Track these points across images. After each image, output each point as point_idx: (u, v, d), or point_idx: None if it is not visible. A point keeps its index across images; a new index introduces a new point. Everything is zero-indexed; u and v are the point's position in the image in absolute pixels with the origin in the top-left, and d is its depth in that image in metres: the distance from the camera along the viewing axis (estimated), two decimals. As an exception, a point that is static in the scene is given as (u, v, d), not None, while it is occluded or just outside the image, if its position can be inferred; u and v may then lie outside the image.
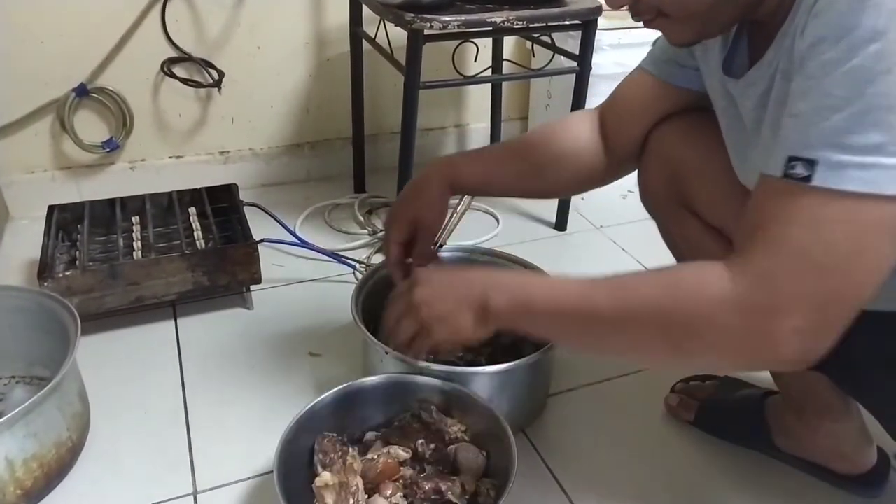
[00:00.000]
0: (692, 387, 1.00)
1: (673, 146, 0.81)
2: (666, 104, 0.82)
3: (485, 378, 0.87)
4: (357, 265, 1.30)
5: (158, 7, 1.41)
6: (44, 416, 0.80)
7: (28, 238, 1.24)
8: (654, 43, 0.84)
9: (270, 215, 1.29)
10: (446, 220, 0.93)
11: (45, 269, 1.06)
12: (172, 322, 1.16)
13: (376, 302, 1.03)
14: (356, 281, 1.27)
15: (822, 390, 0.82)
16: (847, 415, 0.84)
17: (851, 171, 0.46)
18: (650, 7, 0.59)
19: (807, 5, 0.50)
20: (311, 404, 0.82)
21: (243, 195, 1.33)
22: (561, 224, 1.48)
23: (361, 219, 1.50)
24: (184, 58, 1.47)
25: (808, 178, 0.48)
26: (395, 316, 0.76)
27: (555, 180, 0.89)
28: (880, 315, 0.60)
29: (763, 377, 1.03)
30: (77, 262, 1.11)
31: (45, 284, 1.02)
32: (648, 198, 0.87)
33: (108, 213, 1.25)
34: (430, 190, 0.87)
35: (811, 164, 0.47)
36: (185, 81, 1.48)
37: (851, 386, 0.74)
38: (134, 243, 1.17)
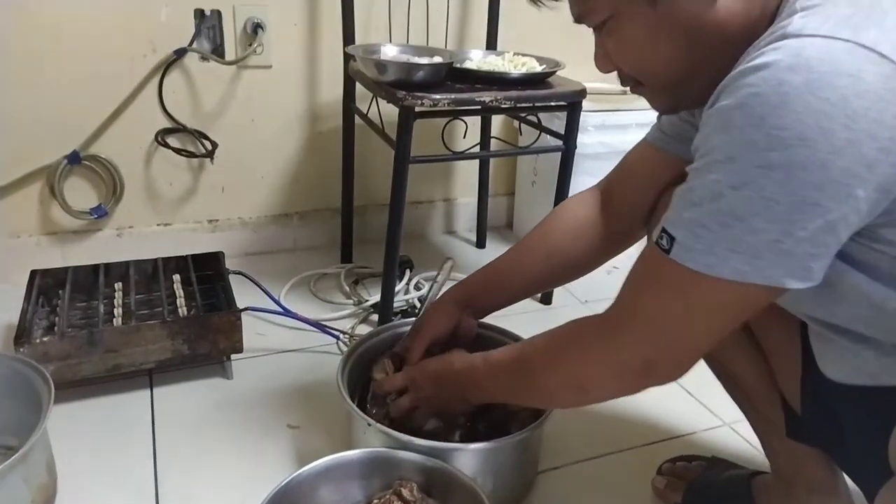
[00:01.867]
0: (679, 468, 0.98)
1: None
2: (675, 172, 0.82)
3: (470, 455, 0.85)
4: (341, 335, 1.29)
5: (156, 79, 1.45)
6: (8, 487, 0.77)
7: (8, 303, 1.22)
8: (659, 118, 0.86)
9: (255, 283, 1.28)
10: (428, 288, 1.03)
11: (22, 333, 1.04)
12: (148, 391, 1.13)
13: (361, 373, 1.01)
14: (339, 351, 1.26)
15: (812, 465, 0.82)
16: (836, 493, 0.83)
17: (696, 254, 0.56)
18: (630, 77, 0.68)
19: (703, 116, 0.57)
20: (288, 479, 0.79)
21: (230, 263, 1.33)
22: (546, 298, 1.48)
23: (347, 289, 1.49)
24: (178, 128, 1.50)
25: (668, 250, 0.58)
26: (395, 390, 0.91)
27: (563, 264, 0.95)
28: (867, 389, 0.61)
29: (750, 458, 1.02)
30: (56, 328, 1.09)
31: (22, 350, 1.00)
32: None
33: (91, 279, 1.24)
34: (439, 310, 0.98)
35: (672, 239, 0.58)
36: (178, 151, 1.50)
37: (841, 458, 0.74)
38: (115, 310, 1.15)
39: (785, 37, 0.52)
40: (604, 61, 0.68)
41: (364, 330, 1.32)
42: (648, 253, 0.62)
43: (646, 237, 0.91)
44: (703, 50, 0.61)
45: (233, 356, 1.17)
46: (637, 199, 0.87)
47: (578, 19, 0.67)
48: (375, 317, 1.37)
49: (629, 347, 0.64)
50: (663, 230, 0.59)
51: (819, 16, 0.53)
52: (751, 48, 0.56)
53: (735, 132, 0.52)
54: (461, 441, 0.91)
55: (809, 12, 0.53)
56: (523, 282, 0.97)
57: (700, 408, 1.15)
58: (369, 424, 0.85)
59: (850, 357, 0.63)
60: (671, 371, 0.64)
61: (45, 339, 1.02)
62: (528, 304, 1.46)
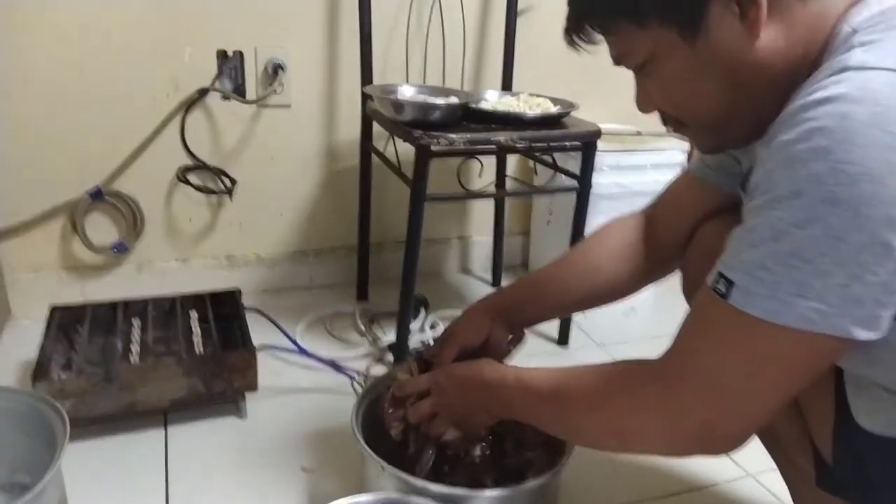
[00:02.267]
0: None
1: (718, 239, 0.79)
2: (717, 202, 0.83)
3: (485, 502, 0.83)
4: (355, 375, 1.28)
5: (179, 117, 1.48)
6: (20, 528, 0.76)
7: (27, 338, 1.23)
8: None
9: (271, 321, 1.28)
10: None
11: (40, 370, 1.04)
12: (163, 430, 1.13)
13: (377, 415, 1.00)
14: (354, 391, 1.25)
15: None
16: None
17: (757, 299, 0.53)
18: (672, 117, 0.68)
19: (762, 142, 0.56)
20: (301, 524, 0.78)
21: (246, 300, 1.33)
22: (563, 339, 1.47)
23: (362, 327, 1.49)
24: (199, 166, 1.52)
25: (725, 295, 0.55)
26: (418, 392, 0.87)
27: (603, 284, 0.93)
28: None
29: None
30: (73, 365, 1.10)
31: (39, 386, 1.01)
32: (690, 290, 0.87)
33: (110, 316, 1.25)
34: (472, 318, 0.95)
35: (730, 283, 0.54)
36: (198, 188, 1.52)
37: None
38: (132, 346, 1.16)
39: (846, 69, 0.52)
40: (645, 102, 0.68)
41: (379, 369, 1.32)
42: (703, 298, 0.58)
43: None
44: (745, 89, 0.61)
45: (247, 395, 1.17)
46: (677, 228, 0.87)
47: (617, 61, 0.67)
48: (391, 356, 1.36)
49: (686, 405, 0.58)
50: (720, 274, 0.56)
51: (881, 49, 0.52)
52: (806, 83, 0.55)
53: (799, 166, 0.50)
54: (482, 456, 0.89)
55: (870, 46, 0.53)
56: (561, 297, 0.94)
57: (723, 458, 1.12)
58: (383, 468, 0.84)
59: (886, 407, 0.60)
60: (729, 438, 0.58)
61: (61, 375, 1.03)
62: (543, 346, 1.45)
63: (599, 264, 0.93)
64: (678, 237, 0.87)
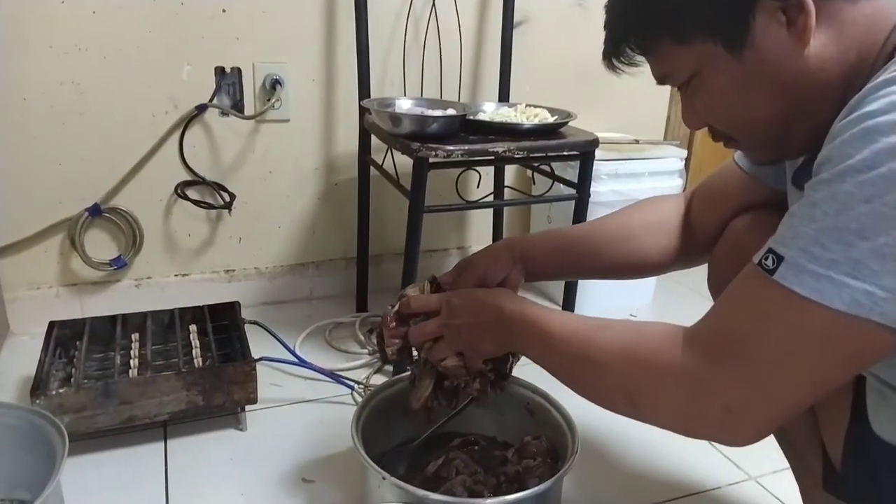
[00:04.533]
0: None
1: (750, 235, 0.78)
2: (754, 196, 0.81)
3: (486, 509, 0.83)
4: (356, 386, 1.28)
5: (178, 133, 1.49)
6: (19, 543, 0.76)
7: (26, 354, 1.23)
8: None
9: (271, 333, 1.28)
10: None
11: (38, 385, 1.04)
12: (162, 444, 1.12)
13: (377, 425, 1.00)
14: (354, 402, 1.25)
15: None
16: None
17: (806, 276, 0.50)
18: (722, 133, 0.66)
19: (830, 132, 0.53)
20: (302, 535, 0.77)
21: (246, 313, 1.33)
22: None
23: (362, 338, 1.49)
24: (198, 181, 1.53)
25: (772, 271, 0.52)
26: (426, 311, 0.83)
27: (631, 252, 0.90)
28: None
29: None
30: (72, 380, 1.09)
31: (38, 402, 1.00)
32: (715, 284, 0.85)
33: (109, 330, 1.25)
34: (493, 254, 0.92)
35: (779, 259, 0.52)
36: (197, 203, 1.53)
37: None
38: (131, 360, 1.15)
39: None
40: (692, 119, 0.66)
41: (379, 380, 1.31)
42: (746, 274, 0.55)
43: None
44: (798, 99, 0.59)
45: (247, 407, 1.16)
46: (714, 216, 0.85)
47: (660, 81, 0.65)
48: (390, 367, 1.36)
49: (715, 385, 0.55)
50: (769, 249, 0.53)
51: None
52: (873, 81, 0.52)
53: (878, 138, 0.47)
54: (480, 390, 0.86)
55: None
56: (587, 258, 0.91)
57: (724, 461, 1.12)
58: (384, 478, 0.84)
59: None
60: (748, 430, 0.55)
61: (60, 390, 1.02)
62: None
63: (632, 232, 0.90)
64: (714, 225, 0.84)
